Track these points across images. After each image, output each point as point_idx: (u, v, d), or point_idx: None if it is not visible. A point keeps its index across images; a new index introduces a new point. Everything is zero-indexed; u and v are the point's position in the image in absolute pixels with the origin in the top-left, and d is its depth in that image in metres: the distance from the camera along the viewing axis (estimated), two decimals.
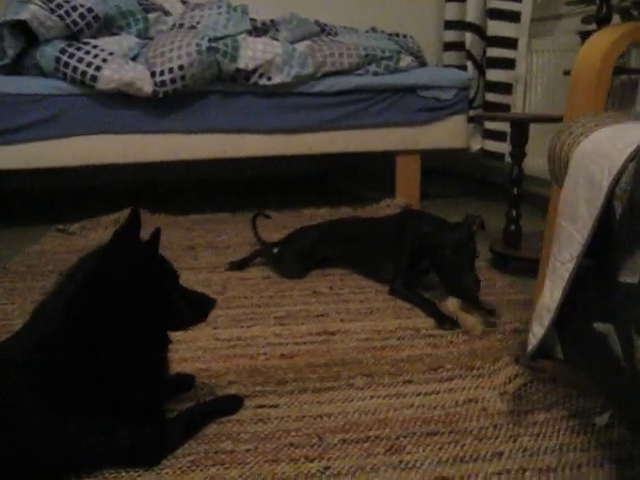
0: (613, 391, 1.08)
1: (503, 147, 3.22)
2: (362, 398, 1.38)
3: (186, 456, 1.18)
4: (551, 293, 1.11)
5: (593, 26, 2.39)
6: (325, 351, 1.60)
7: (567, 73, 2.47)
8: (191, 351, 1.63)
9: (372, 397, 1.38)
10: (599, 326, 1.08)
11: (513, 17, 3.19)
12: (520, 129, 2.22)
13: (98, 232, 2.90)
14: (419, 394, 1.39)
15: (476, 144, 3.47)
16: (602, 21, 2.21)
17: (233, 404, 1.36)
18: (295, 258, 2.21)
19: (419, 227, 1.95)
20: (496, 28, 3.24)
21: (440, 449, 1.19)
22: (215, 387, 1.43)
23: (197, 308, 1.27)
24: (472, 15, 3.42)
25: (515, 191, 2.28)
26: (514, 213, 2.28)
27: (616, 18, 2.45)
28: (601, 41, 1.31)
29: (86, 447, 1.09)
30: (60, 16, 2.80)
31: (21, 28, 2.80)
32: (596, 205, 1.03)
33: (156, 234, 1.17)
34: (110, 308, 1.12)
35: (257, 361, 1.57)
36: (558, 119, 2.16)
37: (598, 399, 1.31)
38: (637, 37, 1.30)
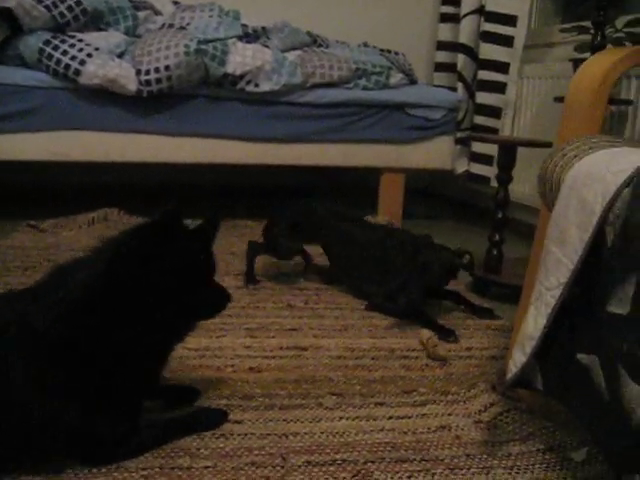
0: (594, 426, 1.03)
1: (489, 170, 3.20)
2: (330, 418, 1.32)
3: (139, 470, 1.11)
4: (535, 320, 1.06)
5: (586, 54, 2.37)
6: (295, 367, 1.54)
7: (558, 100, 2.44)
8: None
9: (341, 418, 1.32)
10: (583, 357, 1.03)
11: (506, 41, 3.18)
12: (508, 152, 2.19)
13: (72, 231, 2.82)
14: (390, 417, 1.33)
15: (462, 166, 3.44)
16: (597, 49, 2.19)
17: (215, 419, 1.29)
18: (284, 235, 2.15)
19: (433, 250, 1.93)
20: (489, 51, 3.22)
21: (409, 477, 1.13)
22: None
23: (218, 301, 1.24)
24: (465, 37, 3.40)
25: (500, 215, 2.24)
26: (497, 237, 2.24)
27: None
28: (600, 62, 1.28)
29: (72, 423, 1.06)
30: (47, 7, 2.73)
31: (6, 16, 2.72)
32: (587, 230, 0.99)
33: (213, 219, 1.22)
34: (145, 284, 1.10)
35: (224, 373, 1.50)
36: (547, 145, 2.13)
37: (576, 433, 1.26)
38: (637, 61, 1.27)
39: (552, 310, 1.03)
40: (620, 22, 2.46)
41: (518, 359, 1.09)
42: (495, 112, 3.25)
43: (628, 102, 2.42)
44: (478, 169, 3.30)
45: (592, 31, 2.30)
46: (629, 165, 0.98)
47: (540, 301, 1.06)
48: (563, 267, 1.02)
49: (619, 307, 0.92)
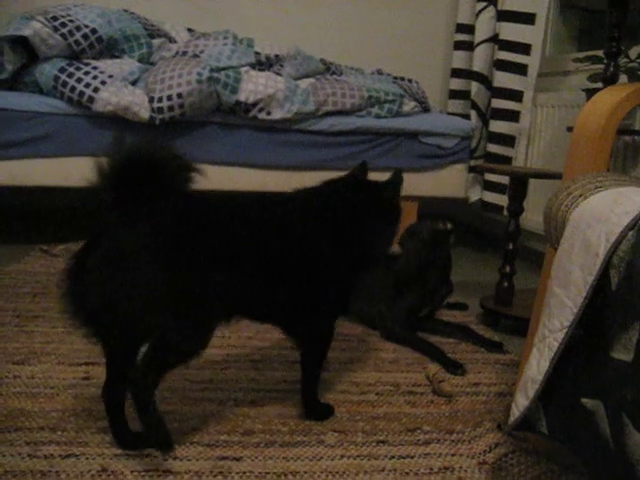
0: (598, 473, 1.00)
1: (502, 199, 3.17)
2: (332, 457, 1.29)
3: None
4: (538, 363, 1.04)
5: (599, 84, 2.35)
6: (298, 401, 1.51)
7: (570, 129, 2.42)
8: (158, 391, 1.53)
9: (342, 456, 1.29)
10: (587, 402, 1.00)
11: (520, 70, 3.17)
12: (519, 184, 2.17)
13: None
14: (392, 457, 1.30)
15: (475, 195, 3.42)
16: (609, 80, 2.17)
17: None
18: None
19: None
20: (502, 79, 3.21)
21: None
22: (177, 433, 1.34)
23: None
24: (479, 65, 3.39)
25: (510, 246, 2.22)
26: (508, 269, 2.22)
27: (623, 78, 2.42)
28: (607, 99, 1.26)
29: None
30: (63, 35, 2.77)
31: (22, 44, 2.76)
32: (591, 272, 0.97)
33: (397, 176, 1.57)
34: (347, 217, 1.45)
35: (225, 407, 1.48)
36: (558, 176, 2.11)
37: (582, 478, 1.23)
38: None
39: (555, 354, 1.00)
40: (634, 52, 2.44)
41: (521, 403, 1.07)
42: (509, 140, 3.23)
43: None
44: (491, 198, 3.27)
45: (605, 60, 2.28)
46: (634, 207, 0.95)
47: (543, 344, 1.04)
48: (567, 310, 1.00)
49: (623, 353, 0.89)
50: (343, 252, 1.41)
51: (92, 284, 1.17)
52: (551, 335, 1.02)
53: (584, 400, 1.01)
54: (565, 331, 1.00)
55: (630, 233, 0.93)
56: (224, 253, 1.25)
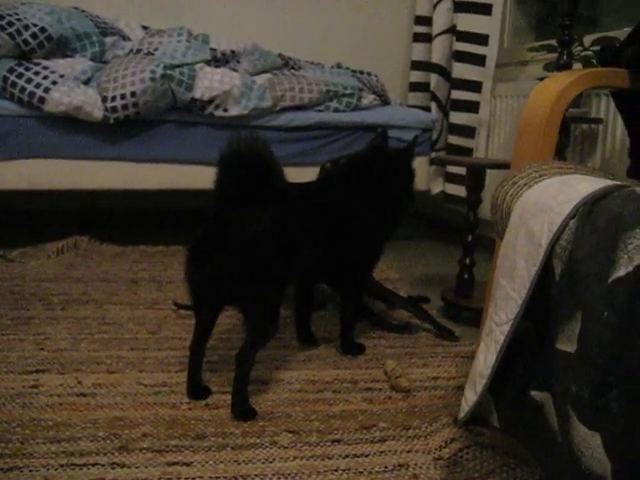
0: (547, 465, 0.99)
1: (464, 191, 3.16)
2: (284, 458, 1.26)
3: None
4: (485, 357, 1.02)
5: (555, 73, 2.35)
6: (253, 402, 1.48)
7: None
8: (110, 397, 1.50)
9: (295, 458, 1.27)
10: (536, 395, 0.99)
11: (478, 60, 3.17)
12: (476, 175, 2.16)
13: (40, 260, 2.76)
14: (347, 456, 1.28)
15: (437, 187, 3.41)
16: (562, 69, 2.17)
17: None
18: None
19: None
20: (461, 71, 3.21)
21: None
22: (127, 440, 1.31)
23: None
24: (438, 56, 3.39)
25: (469, 238, 2.21)
26: (467, 261, 2.21)
27: (578, 67, 2.42)
28: (552, 86, 1.24)
29: None
30: (10, 34, 2.70)
31: None
32: (535, 263, 0.95)
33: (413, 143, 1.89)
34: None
35: (178, 411, 1.45)
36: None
37: (537, 470, 1.22)
38: (588, 84, 1.24)
39: (501, 347, 0.98)
40: (588, 40, 2.45)
41: (470, 398, 1.05)
42: (469, 132, 3.22)
43: (598, 121, 2.39)
44: (453, 189, 3.27)
45: (558, 49, 2.28)
46: (576, 195, 0.94)
47: (490, 337, 1.02)
48: (512, 302, 0.98)
49: (567, 345, 0.88)
50: (383, 215, 1.77)
51: (223, 264, 1.39)
52: (497, 328, 1.01)
53: (533, 393, 0.99)
54: (511, 323, 0.98)
55: (572, 222, 0.91)
56: (313, 234, 1.61)
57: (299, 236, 1.54)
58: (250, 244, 1.40)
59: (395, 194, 1.81)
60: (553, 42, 2.49)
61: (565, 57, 2.17)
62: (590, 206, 0.90)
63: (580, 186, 0.96)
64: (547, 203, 0.97)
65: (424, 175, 3.22)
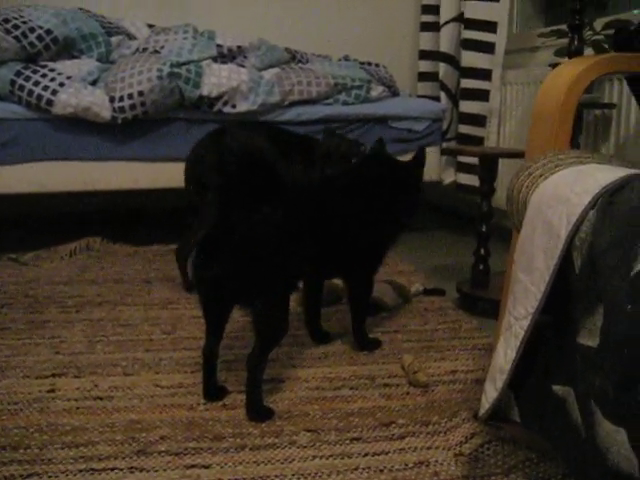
0: (572, 461, 0.97)
1: (476, 180, 3.13)
2: (304, 458, 1.25)
3: None
4: (504, 352, 1.00)
5: (565, 59, 2.32)
6: (270, 402, 1.47)
7: None
8: (127, 400, 1.50)
9: (314, 457, 1.25)
10: (558, 389, 0.97)
11: (487, 48, 3.12)
12: (488, 164, 2.13)
13: (53, 262, 2.77)
14: (366, 454, 1.26)
15: (449, 177, 3.38)
16: (574, 54, 2.14)
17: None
18: None
19: None
20: (470, 59, 3.17)
21: None
22: (144, 443, 1.30)
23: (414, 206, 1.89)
24: (446, 45, 3.35)
25: (484, 228, 2.18)
26: (482, 251, 2.18)
27: (589, 52, 2.39)
28: (566, 72, 1.22)
29: None
30: (16, 37, 2.69)
31: None
32: (554, 256, 0.93)
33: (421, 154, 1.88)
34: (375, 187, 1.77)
35: (196, 412, 1.44)
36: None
37: (560, 465, 1.20)
38: (604, 70, 1.21)
39: (521, 342, 0.96)
40: (599, 24, 2.41)
41: (490, 394, 1.03)
42: (480, 120, 3.18)
43: (612, 106, 2.36)
44: (465, 179, 3.24)
45: (569, 34, 2.24)
46: (594, 185, 0.92)
47: (510, 332, 1.00)
48: (531, 296, 0.96)
49: (589, 339, 0.86)
50: (388, 220, 1.80)
51: (231, 265, 1.40)
52: (517, 323, 0.99)
53: (555, 388, 0.97)
54: (530, 318, 0.96)
55: (591, 213, 0.89)
56: (319, 232, 1.61)
57: (306, 234, 1.55)
58: (258, 243, 1.41)
59: (402, 194, 1.83)
60: (563, 27, 2.45)
61: (576, 42, 2.13)
62: (609, 197, 0.88)
63: (598, 176, 0.94)
64: (565, 194, 0.95)
65: (435, 165, 3.20)
